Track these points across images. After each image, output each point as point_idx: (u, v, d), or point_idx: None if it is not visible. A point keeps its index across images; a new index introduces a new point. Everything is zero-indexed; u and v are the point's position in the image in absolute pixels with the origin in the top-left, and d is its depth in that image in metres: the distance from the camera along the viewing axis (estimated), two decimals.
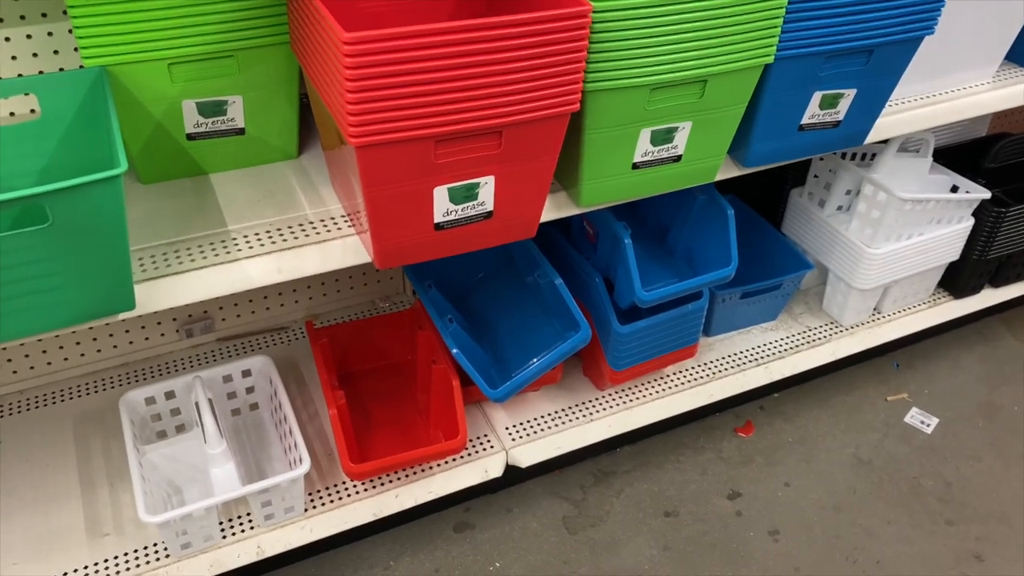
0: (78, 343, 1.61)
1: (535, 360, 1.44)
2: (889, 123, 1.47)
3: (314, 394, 1.61)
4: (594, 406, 1.62)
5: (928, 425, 1.87)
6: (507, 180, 1.08)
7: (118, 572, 1.29)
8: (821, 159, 1.79)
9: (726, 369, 1.72)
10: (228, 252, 1.09)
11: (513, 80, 0.97)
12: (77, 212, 0.85)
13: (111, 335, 1.63)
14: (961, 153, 1.97)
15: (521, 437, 1.55)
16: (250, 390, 1.50)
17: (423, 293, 1.48)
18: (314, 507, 1.39)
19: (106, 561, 1.30)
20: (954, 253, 1.83)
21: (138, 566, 1.29)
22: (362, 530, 1.52)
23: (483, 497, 1.66)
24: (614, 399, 1.63)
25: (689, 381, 1.68)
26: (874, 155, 1.80)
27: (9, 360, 1.57)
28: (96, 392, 1.60)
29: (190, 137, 1.20)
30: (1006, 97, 1.60)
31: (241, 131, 1.23)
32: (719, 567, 1.55)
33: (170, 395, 1.42)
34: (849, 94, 1.30)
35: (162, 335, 1.68)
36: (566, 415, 1.60)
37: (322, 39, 0.95)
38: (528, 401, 1.62)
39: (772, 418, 1.87)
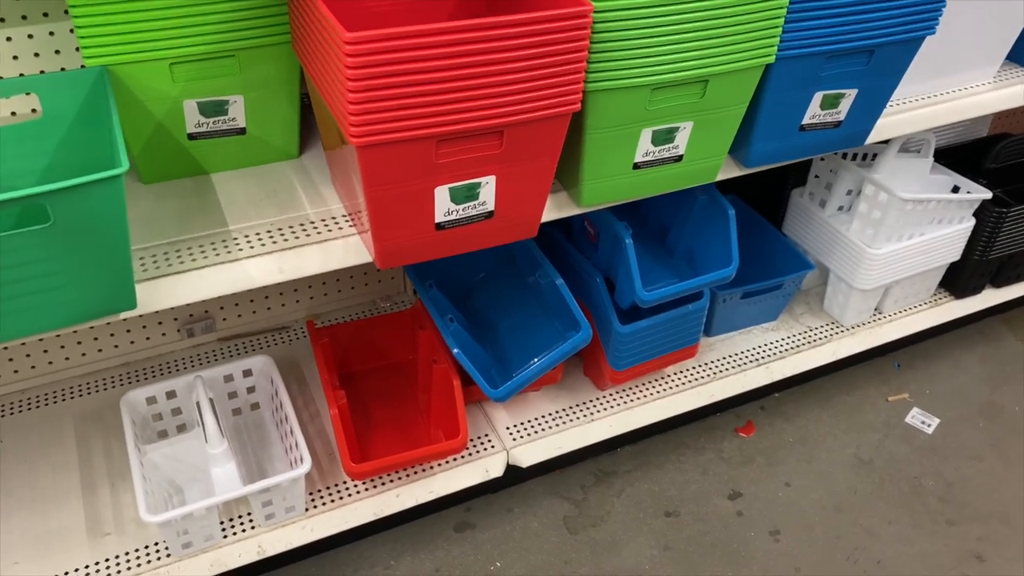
0: (79, 342, 1.61)
1: (536, 360, 1.44)
2: (890, 123, 1.47)
3: (315, 394, 1.61)
4: (595, 406, 1.62)
5: (929, 425, 1.86)
6: (508, 180, 1.08)
7: (119, 571, 1.29)
8: (822, 159, 1.79)
9: (727, 369, 1.72)
10: (229, 252, 1.10)
11: (514, 80, 0.97)
12: (78, 212, 0.85)
13: (112, 334, 1.63)
14: (962, 153, 1.97)
15: (522, 437, 1.55)
16: (251, 390, 1.50)
17: (424, 293, 1.48)
18: (315, 507, 1.39)
19: (107, 560, 1.30)
20: (955, 253, 1.83)
21: (139, 565, 1.29)
22: (363, 530, 1.52)
23: (484, 497, 1.66)
24: (615, 399, 1.63)
25: (690, 381, 1.68)
26: (875, 155, 1.80)
27: (10, 359, 1.57)
28: (97, 391, 1.60)
29: (191, 137, 1.20)
30: (1007, 97, 1.60)
31: (242, 131, 1.23)
32: (720, 567, 1.55)
33: (171, 395, 1.43)
34: (850, 94, 1.30)
35: (163, 335, 1.68)
36: (567, 415, 1.60)
37: (323, 39, 0.95)
38: (529, 401, 1.62)
39: (773, 418, 1.87)
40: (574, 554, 1.56)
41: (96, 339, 1.62)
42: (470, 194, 1.07)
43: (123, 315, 1.01)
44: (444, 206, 1.07)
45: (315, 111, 1.20)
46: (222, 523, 1.35)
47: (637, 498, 1.67)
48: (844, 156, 1.78)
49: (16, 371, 1.58)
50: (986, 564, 1.58)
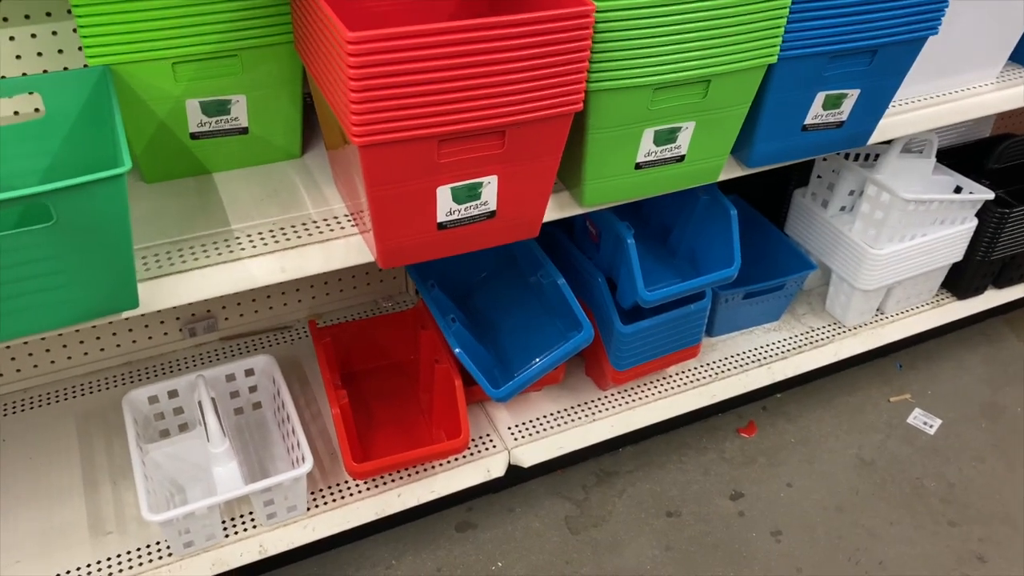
0: (81, 342, 1.61)
1: (538, 360, 1.44)
2: (893, 124, 1.47)
3: (317, 393, 1.61)
4: (596, 406, 1.62)
5: (931, 426, 1.86)
6: (510, 180, 1.08)
7: (120, 570, 1.29)
8: (824, 159, 1.79)
9: (729, 369, 1.72)
10: (231, 251, 1.10)
11: (516, 80, 0.97)
12: (81, 211, 0.85)
13: (114, 334, 1.63)
14: (965, 154, 1.96)
15: (523, 437, 1.55)
16: (253, 389, 1.50)
17: (426, 293, 1.48)
18: (316, 506, 1.39)
19: (108, 559, 1.30)
20: (957, 254, 1.82)
21: (140, 564, 1.29)
22: (364, 529, 1.52)
23: (485, 497, 1.66)
24: (616, 399, 1.63)
25: (692, 381, 1.68)
26: (877, 156, 1.80)
27: (13, 358, 1.57)
28: (99, 391, 1.61)
29: (194, 136, 1.20)
30: (1010, 98, 1.60)
31: (244, 130, 1.23)
32: (721, 567, 1.55)
33: (173, 394, 1.43)
34: (853, 94, 1.29)
35: (165, 334, 1.68)
36: (568, 415, 1.60)
37: (326, 39, 0.95)
38: (530, 401, 1.62)
39: (775, 418, 1.87)
40: (575, 554, 1.56)
41: (98, 338, 1.62)
42: (472, 194, 1.07)
43: (125, 314, 1.01)
44: (446, 206, 1.07)
45: (317, 111, 1.20)
46: (224, 522, 1.35)
47: (639, 498, 1.67)
48: (846, 156, 1.78)
49: (19, 370, 1.59)
50: (988, 565, 1.58)
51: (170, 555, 1.30)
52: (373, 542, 1.57)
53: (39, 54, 1.29)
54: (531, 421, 1.58)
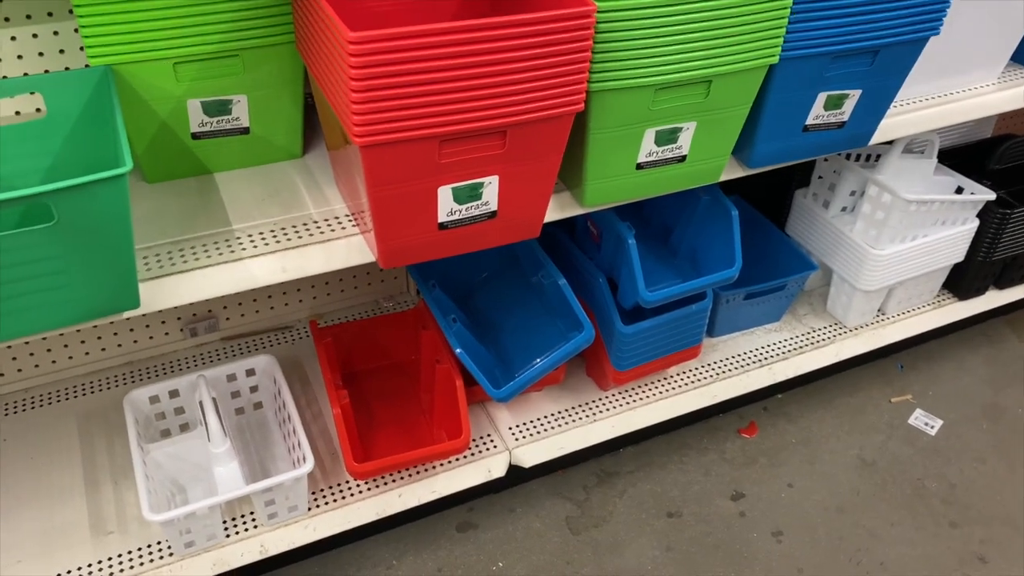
0: (83, 341, 1.61)
1: (539, 360, 1.44)
2: (894, 124, 1.47)
3: (318, 393, 1.61)
4: (597, 406, 1.62)
5: (932, 427, 1.86)
6: (511, 180, 1.08)
7: (122, 570, 1.29)
8: (826, 160, 1.78)
9: (730, 370, 1.72)
10: (232, 251, 1.10)
11: (517, 80, 0.97)
12: (82, 211, 0.85)
13: (115, 334, 1.63)
14: (966, 154, 1.96)
15: (524, 437, 1.55)
16: (254, 389, 1.50)
17: (427, 293, 1.48)
18: (317, 506, 1.39)
19: (110, 559, 1.31)
20: (959, 254, 1.82)
21: (142, 564, 1.29)
22: (365, 529, 1.52)
23: (486, 497, 1.66)
24: (617, 399, 1.63)
25: (692, 382, 1.68)
26: (879, 156, 1.79)
27: (14, 358, 1.57)
28: (100, 391, 1.61)
29: (195, 136, 1.20)
30: (1012, 98, 1.60)
31: (246, 130, 1.23)
32: (722, 568, 1.55)
33: (174, 394, 1.43)
34: (854, 95, 1.29)
35: (166, 334, 1.68)
36: (569, 415, 1.60)
37: (327, 39, 0.95)
38: (531, 401, 1.62)
39: (776, 419, 1.87)
40: (576, 554, 1.56)
41: (99, 338, 1.62)
42: (473, 194, 1.07)
43: (126, 314, 1.01)
44: (447, 206, 1.07)
45: (319, 111, 1.20)
46: (224, 522, 1.35)
47: (639, 499, 1.67)
48: (848, 157, 1.78)
49: (20, 370, 1.59)
50: (989, 566, 1.57)
51: (171, 555, 1.30)
52: (374, 542, 1.57)
53: (41, 54, 1.29)
54: (532, 421, 1.58)
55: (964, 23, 1.44)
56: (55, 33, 1.28)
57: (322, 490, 1.42)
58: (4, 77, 1.28)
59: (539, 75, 0.98)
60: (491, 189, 1.08)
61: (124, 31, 1.06)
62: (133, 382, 1.62)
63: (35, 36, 1.27)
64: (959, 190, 1.79)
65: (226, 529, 1.34)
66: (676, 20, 1.06)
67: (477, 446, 1.53)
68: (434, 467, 1.47)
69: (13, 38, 1.26)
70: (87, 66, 1.07)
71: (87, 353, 1.63)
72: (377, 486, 1.43)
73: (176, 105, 1.15)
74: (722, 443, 1.80)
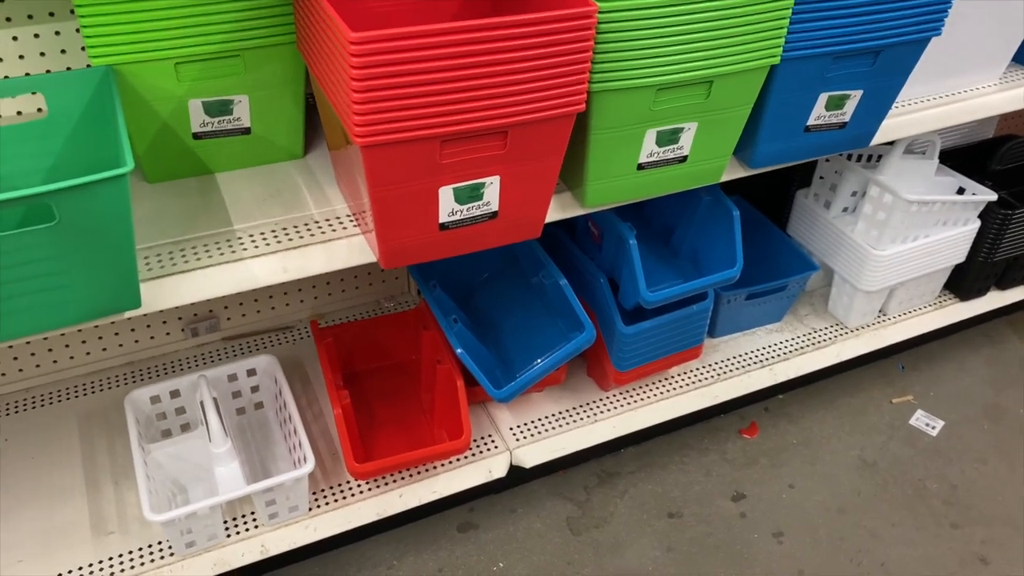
0: (84, 341, 1.61)
1: (539, 360, 1.44)
2: (895, 124, 1.47)
3: (319, 393, 1.61)
4: (598, 407, 1.62)
5: (933, 427, 1.86)
6: (512, 180, 1.08)
7: (122, 570, 1.29)
8: (827, 160, 1.78)
9: (731, 370, 1.72)
10: (234, 251, 1.10)
11: (519, 80, 0.97)
12: (83, 211, 0.85)
13: (116, 334, 1.63)
14: (968, 155, 1.96)
15: (525, 437, 1.55)
16: (255, 389, 1.50)
17: (428, 293, 1.48)
18: (318, 506, 1.39)
19: (110, 559, 1.31)
20: (960, 255, 1.82)
21: (142, 564, 1.29)
22: (366, 529, 1.52)
23: (487, 497, 1.66)
24: (618, 400, 1.63)
25: (693, 382, 1.68)
26: (880, 157, 1.79)
27: (15, 358, 1.57)
28: (101, 391, 1.61)
29: (196, 136, 1.20)
30: (1013, 99, 1.60)
31: (247, 131, 1.23)
32: (723, 568, 1.55)
33: (175, 394, 1.43)
34: (855, 95, 1.29)
35: (167, 334, 1.68)
36: (570, 416, 1.60)
37: (328, 39, 0.95)
38: (532, 402, 1.62)
39: (777, 420, 1.87)
40: (577, 555, 1.56)
41: (100, 338, 1.62)
42: (474, 194, 1.07)
43: (127, 314, 1.01)
44: (448, 206, 1.07)
45: (320, 111, 1.20)
46: (225, 522, 1.35)
47: (640, 499, 1.67)
48: (849, 157, 1.78)
49: (21, 370, 1.59)
50: (990, 567, 1.57)
51: (172, 555, 1.30)
52: (375, 542, 1.57)
53: (42, 54, 1.29)
54: (533, 422, 1.58)
55: (966, 24, 1.44)
56: (57, 33, 1.28)
57: (323, 490, 1.42)
58: (6, 77, 1.28)
59: (540, 75, 0.98)
60: (492, 189, 1.08)
61: (126, 31, 1.06)
62: (134, 382, 1.62)
63: (37, 36, 1.27)
64: (960, 191, 1.79)
65: (227, 529, 1.34)
66: (677, 20, 1.06)
67: (478, 446, 1.53)
68: (435, 467, 1.47)
69: (15, 38, 1.26)
70: (89, 66, 1.07)
71: (88, 353, 1.63)
72: (378, 486, 1.43)
73: (177, 105, 1.15)
74: (723, 443, 1.80)
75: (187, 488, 1.39)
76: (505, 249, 1.55)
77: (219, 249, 1.10)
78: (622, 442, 1.75)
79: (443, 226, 1.09)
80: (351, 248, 1.14)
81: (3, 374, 1.57)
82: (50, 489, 1.42)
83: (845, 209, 1.79)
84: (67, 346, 1.60)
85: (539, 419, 1.59)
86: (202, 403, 1.33)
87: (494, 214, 1.11)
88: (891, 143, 1.67)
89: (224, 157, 1.24)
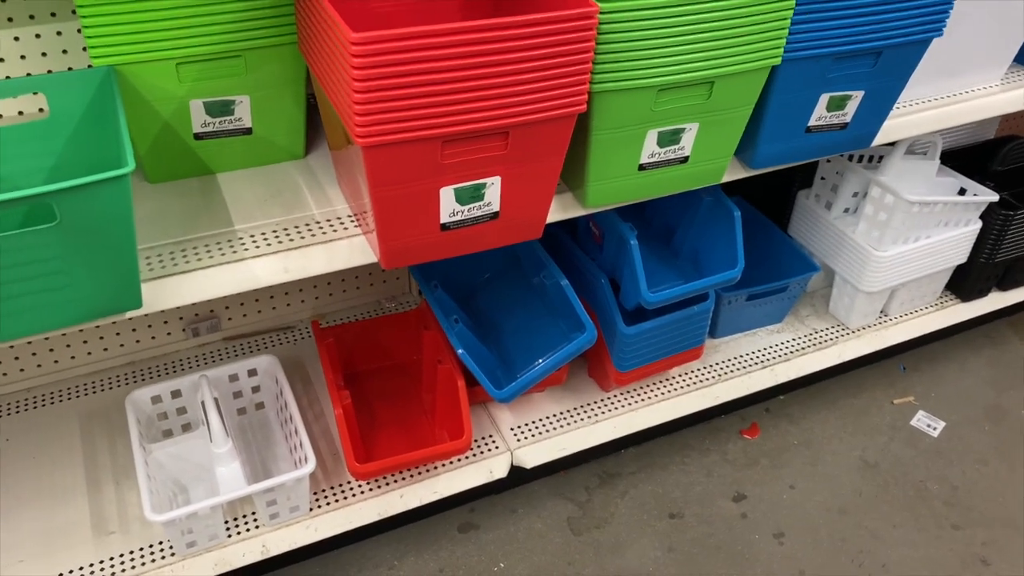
0: (85, 341, 1.61)
1: (541, 361, 1.44)
2: (897, 125, 1.46)
3: (320, 394, 1.61)
4: (599, 407, 1.62)
5: (934, 428, 1.86)
6: (513, 181, 1.08)
7: (123, 570, 1.29)
8: (828, 161, 1.78)
9: (732, 371, 1.72)
10: (235, 251, 1.10)
11: (520, 81, 0.97)
12: (85, 211, 0.85)
13: (118, 334, 1.63)
14: (969, 156, 1.96)
15: (526, 438, 1.55)
16: (256, 389, 1.50)
17: (429, 293, 1.48)
18: (319, 506, 1.40)
19: (111, 559, 1.31)
20: (961, 256, 1.82)
21: (143, 564, 1.29)
22: (367, 530, 1.52)
23: (488, 498, 1.66)
24: (619, 400, 1.63)
25: (695, 383, 1.68)
26: (881, 157, 1.79)
27: (16, 358, 1.57)
28: (102, 391, 1.61)
29: (197, 137, 1.20)
30: (1014, 99, 1.60)
31: (248, 131, 1.23)
32: (724, 569, 1.55)
33: (176, 394, 1.43)
34: (857, 96, 1.29)
35: (168, 334, 1.68)
36: (571, 416, 1.60)
37: (330, 39, 0.95)
38: (533, 402, 1.62)
39: (778, 420, 1.87)
40: (578, 555, 1.56)
41: (102, 338, 1.62)
42: (475, 195, 1.07)
43: (129, 314, 1.01)
44: (449, 207, 1.07)
45: (321, 111, 1.20)
46: (226, 522, 1.35)
47: (641, 500, 1.67)
48: (850, 158, 1.78)
49: (22, 370, 1.59)
50: (991, 568, 1.57)
51: (173, 555, 1.31)
52: (375, 543, 1.57)
53: (43, 54, 1.29)
54: (534, 422, 1.58)
55: (967, 24, 1.44)
56: (58, 33, 1.28)
57: (324, 490, 1.42)
58: (7, 77, 1.28)
59: (541, 76, 0.98)
60: (493, 190, 1.08)
61: (127, 32, 1.06)
62: (135, 382, 1.62)
63: (38, 36, 1.27)
64: (962, 191, 1.79)
65: (228, 529, 1.34)
66: (678, 21, 1.06)
67: (479, 447, 1.53)
68: (436, 468, 1.47)
69: (16, 38, 1.26)
70: (90, 66, 1.07)
71: (89, 353, 1.63)
72: (379, 486, 1.43)
73: (179, 105, 1.16)
74: (724, 444, 1.80)
75: (188, 488, 1.39)
76: (506, 249, 1.55)
77: (220, 249, 1.10)
78: (623, 442, 1.75)
79: (444, 226, 1.09)
80: (352, 248, 1.14)
81: (4, 374, 1.58)
82: (51, 489, 1.42)
83: (846, 210, 1.79)
84: (68, 346, 1.60)
85: (540, 419, 1.58)
86: (203, 403, 1.34)
87: (495, 214, 1.11)
88: (892, 144, 1.67)
89: (225, 157, 1.24)
